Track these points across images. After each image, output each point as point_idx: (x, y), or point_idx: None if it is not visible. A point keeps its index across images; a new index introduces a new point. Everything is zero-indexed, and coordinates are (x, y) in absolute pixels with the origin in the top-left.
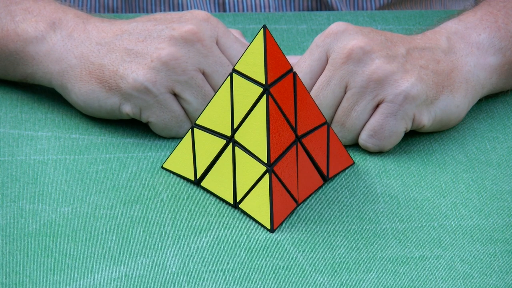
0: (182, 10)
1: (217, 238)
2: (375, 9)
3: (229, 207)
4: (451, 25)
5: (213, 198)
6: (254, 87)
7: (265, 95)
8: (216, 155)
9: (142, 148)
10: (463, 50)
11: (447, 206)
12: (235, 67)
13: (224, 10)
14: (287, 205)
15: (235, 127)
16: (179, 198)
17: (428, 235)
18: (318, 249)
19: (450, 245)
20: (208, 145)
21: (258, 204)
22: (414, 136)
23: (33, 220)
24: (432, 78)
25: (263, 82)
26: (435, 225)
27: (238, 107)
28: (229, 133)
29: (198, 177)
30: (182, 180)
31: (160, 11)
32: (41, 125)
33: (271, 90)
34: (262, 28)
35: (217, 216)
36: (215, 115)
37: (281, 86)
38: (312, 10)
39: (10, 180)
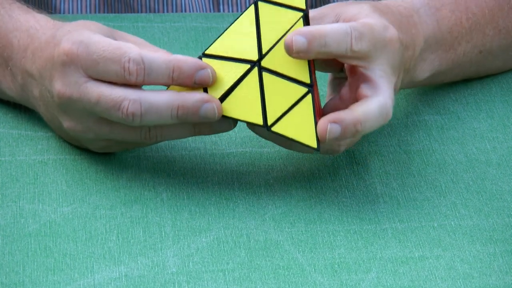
0: (176, 4)
1: (217, 238)
2: None
3: (229, 207)
4: (429, 24)
5: (213, 198)
6: (291, 13)
7: (302, 19)
8: (236, 81)
9: (143, 148)
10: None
11: (447, 206)
12: None
13: (218, 3)
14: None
15: (263, 53)
16: (179, 198)
17: (427, 235)
18: (318, 249)
19: (450, 245)
20: (225, 72)
21: (299, 126)
22: (414, 136)
23: (33, 220)
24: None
25: (303, 7)
26: (435, 225)
27: (266, 34)
28: (254, 58)
29: None
30: (182, 180)
31: (155, 5)
32: (41, 125)
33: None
34: None
35: (217, 216)
36: (233, 43)
37: (308, 13)
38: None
39: (10, 180)
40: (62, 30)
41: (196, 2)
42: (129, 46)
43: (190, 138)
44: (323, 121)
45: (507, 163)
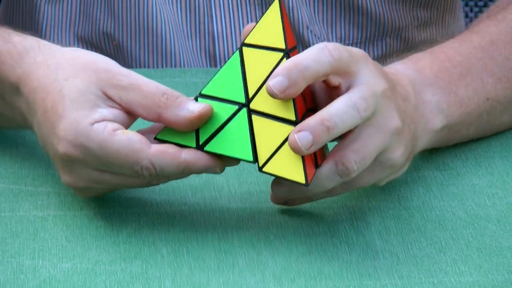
0: (175, 60)
1: None
2: None
3: (229, 262)
4: (409, 73)
5: (213, 254)
6: (273, 54)
7: (285, 58)
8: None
9: (143, 204)
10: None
11: (446, 262)
12: (245, 41)
13: (215, 62)
14: (311, 160)
15: (250, 96)
16: (179, 253)
17: None
18: None
19: None
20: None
21: (287, 163)
22: (414, 192)
23: (33, 276)
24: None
25: (283, 47)
26: (435, 281)
27: (252, 77)
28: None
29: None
30: (182, 236)
31: (153, 60)
32: (41, 180)
33: (290, 55)
34: (277, 0)
35: (217, 272)
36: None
37: (293, 56)
38: None
39: (10, 235)
40: (52, 99)
41: (194, 60)
42: (137, 150)
43: (190, 194)
44: (291, 135)
45: (506, 219)
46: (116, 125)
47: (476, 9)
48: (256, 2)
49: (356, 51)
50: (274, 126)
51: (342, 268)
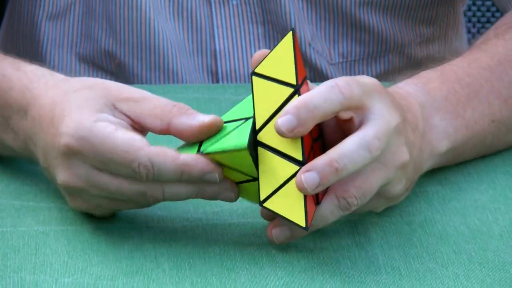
0: (177, 77)
1: None
2: None
3: (231, 278)
4: (420, 96)
5: (215, 269)
6: (282, 88)
7: (296, 95)
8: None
9: (145, 219)
10: (428, 135)
11: (449, 277)
12: (255, 70)
13: (217, 79)
14: (312, 203)
15: (257, 128)
16: (181, 268)
17: None
18: None
19: None
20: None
21: (289, 203)
22: (416, 207)
23: None
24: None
25: (294, 83)
26: None
27: (260, 109)
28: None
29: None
30: (184, 251)
31: (155, 78)
32: (43, 196)
33: (300, 90)
34: (291, 32)
35: (219, 287)
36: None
37: (303, 90)
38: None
39: (12, 250)
40: (60, 107)
41: (196, 78)
42: (137, 148)
43: (191, 209)
44: (298, 175)
45: (509, 234)
46: (118, 126)
47: (478, 25)
48: (258, 20)
49: (369, 82)
50: (279, 162)
51: (344, 283)
